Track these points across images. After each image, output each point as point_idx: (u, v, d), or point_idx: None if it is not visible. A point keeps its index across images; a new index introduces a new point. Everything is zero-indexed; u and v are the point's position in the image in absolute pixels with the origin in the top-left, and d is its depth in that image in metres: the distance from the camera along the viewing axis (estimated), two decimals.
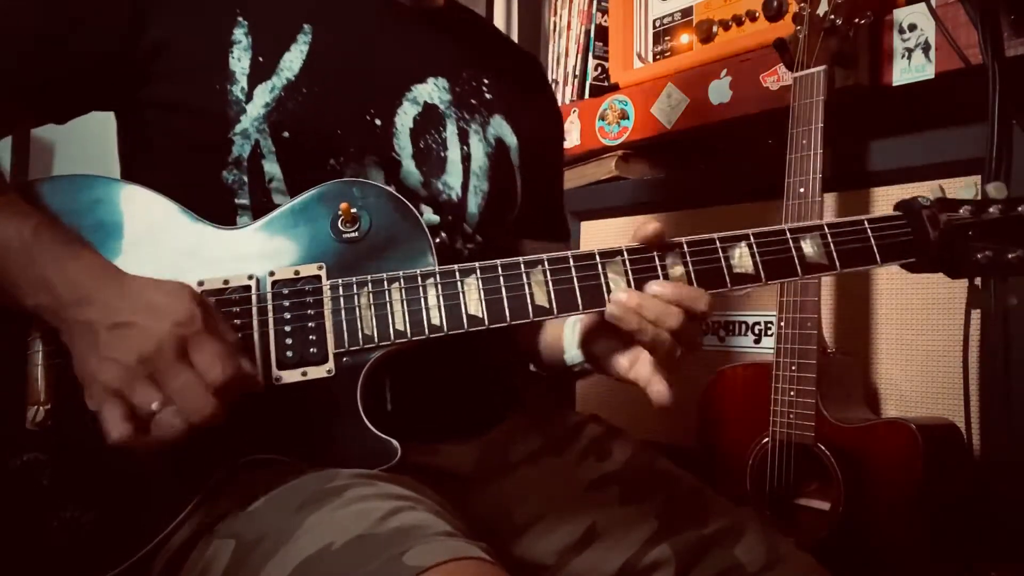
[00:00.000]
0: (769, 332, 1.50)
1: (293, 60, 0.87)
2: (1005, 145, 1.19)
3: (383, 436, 0.78)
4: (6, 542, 0.76)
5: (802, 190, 1.25)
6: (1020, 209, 0.81)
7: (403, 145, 0.92)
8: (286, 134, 0.85)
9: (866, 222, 0.81)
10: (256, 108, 0.84)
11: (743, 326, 1.55)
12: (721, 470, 1.37)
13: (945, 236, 0.81)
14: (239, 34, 0.86)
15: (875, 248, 0.81)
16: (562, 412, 1.09)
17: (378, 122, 0.91)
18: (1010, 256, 0.80)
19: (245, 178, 0.85)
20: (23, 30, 0.84)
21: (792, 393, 1.24)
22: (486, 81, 1.02)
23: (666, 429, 1.63)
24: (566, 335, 0.96)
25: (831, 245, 0.80)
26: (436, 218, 0.93)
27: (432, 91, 0.96)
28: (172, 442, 0.69)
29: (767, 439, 1.28)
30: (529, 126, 1.06)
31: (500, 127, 1.01)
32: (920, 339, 1.31)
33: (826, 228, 0.81)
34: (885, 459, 1.18)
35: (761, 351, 1.50)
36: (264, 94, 0.85)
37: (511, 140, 1.02)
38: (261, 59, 0.86)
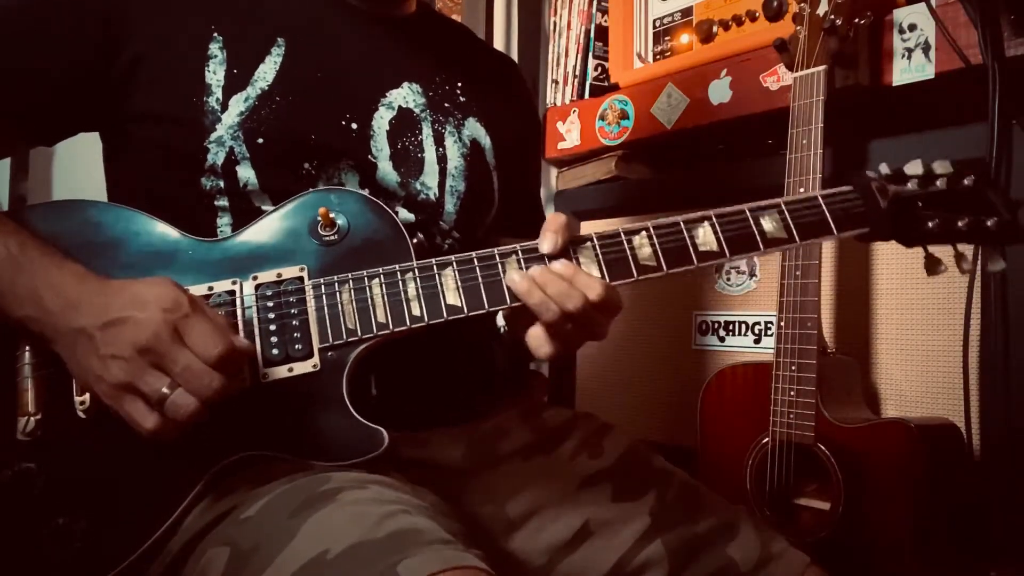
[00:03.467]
0: (769, 332, 1.50)
1: (267, 71, 0.90)
2: (1005, 145, 1.19)
3: (371, 425, 0.79)
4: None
5: (802, 190, 1.25)
6: (965, 182, 0.85)
7: (380, 147, 0.93)
8: (260, 140, 0.87)
9: (820, 197, 0.85)
10: (231, 117, 0.86)
11: (743, 326, 1.55)
12: (721, 470, 1.37)
13: (895, 205, 0.85)
14: (214, 48, 0.89)
15: (830, 220, 0.84)
16: (554, 408, 1.09)
17: (354, 126, 0.92)
18: (960, 224, 0.84)
19: (221, 183, 0.87)
20: None
21: (792, 393, 1.24)
22: (459, 84, 1.04)
23: (666, 429, 1.63)
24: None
25: (788, 219, 0.84)
26: (412, 216, 0.94)
27: (407, 95, 0.98)
28: (191, 422, 0.71)
29: (767, 439, 1.28)
30: (503, 127, 1.07)
31: (474, 129, 1.03)
32: (920, 339, 1.31)
33: (783, 205, 0.84)
34: (885, 459, 1.18)
35: (761, 351, 1.50)
36: (239, 103, 0.87)
37: (485, 141, 1.04)
38: (235, 71, 0.88)
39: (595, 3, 1.95)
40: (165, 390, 0.70)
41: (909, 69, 1.30)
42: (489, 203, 1.05)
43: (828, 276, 1.40)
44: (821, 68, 1.26)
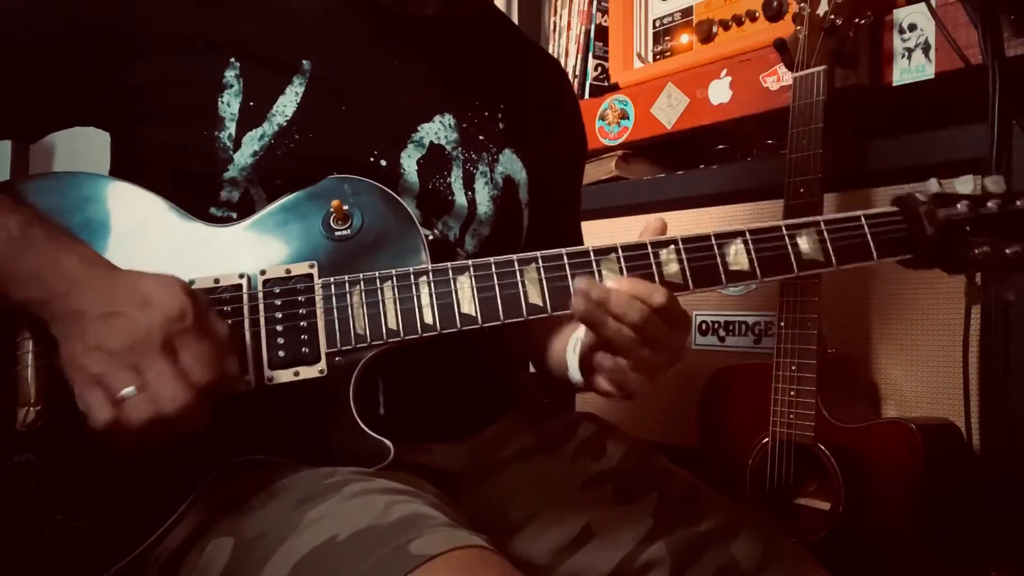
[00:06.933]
0: (769, 332, 1.50)
1: (286, 105, 0.84)
2: (1005, 145, 1.19)
3: (376, 436, 0.77)
4: None
5: (802, 190, 1.25)
6: (1018, 203, 0.80)
7: (408, 187, 0.88)
8: (278, 182, 0.83)
9: (863, 218, 0.81)
10: (243, 157, 0.82)
11: (743, 326, 1.54)
12: (721, 470, 1.37)
13: (942, 232, 0.80)
14: (230, 76, 0.83)
15: (872, 244, 0.80)
16: (556, 410, 1.09)
17: (383, 163, 0.88)
18: (1008, 251, 0.79)
19: (234, 215, 0.84)
20: None
21: (792, 393, 1.24)
22: (501, 107, 0.98)
23: (666, 429, 1.63)
24: (569, 359, 0.93)
25: (827, 242, 0.79)
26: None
27: (439, 131, 0.91)
28: (146, 430, 0.67)
29: (767, 439, 1.28)
30: (544, 156, 1.01)
31: (509, 164, 0.97)
32: (920, 339, 1.31)
33: (823, 224, 0.80)
34: (885, 459, 1.18)
35: (761, 351, 1.50)
36: (252, 142, 0.82)
37: (520, 176, 0.98)
38: (252, 103, 0.83)
39: (595, 3, 1.95)
40: (127, 391, 0.67)
41: (909, 69, 1.30)
42: (515, 240, 0.99)
43: (828, 276, 1.40)
44: (821, 68, 1.26)
